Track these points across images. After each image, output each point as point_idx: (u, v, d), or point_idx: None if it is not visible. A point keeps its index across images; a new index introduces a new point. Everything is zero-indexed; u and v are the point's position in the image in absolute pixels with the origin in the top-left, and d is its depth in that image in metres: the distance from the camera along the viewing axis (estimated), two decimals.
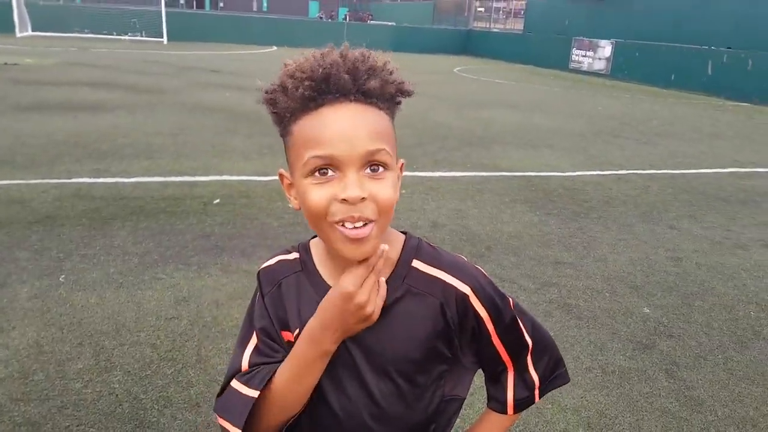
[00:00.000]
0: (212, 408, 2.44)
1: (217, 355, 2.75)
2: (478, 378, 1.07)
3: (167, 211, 4.58)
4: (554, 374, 1.07)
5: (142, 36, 24.72)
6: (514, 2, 35.92)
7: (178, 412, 2.36)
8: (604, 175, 6.70)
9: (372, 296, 0.86)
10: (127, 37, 24.33)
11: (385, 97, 0.85)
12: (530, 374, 1.04)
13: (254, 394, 0.90)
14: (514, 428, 2.35)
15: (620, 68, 20.26)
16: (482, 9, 36.97)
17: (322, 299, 0.88)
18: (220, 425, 0.92)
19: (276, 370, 0.91)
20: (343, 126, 0.81)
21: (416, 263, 0.94)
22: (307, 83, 0.81)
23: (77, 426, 2.25)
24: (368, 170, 0.82)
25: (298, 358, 0.90)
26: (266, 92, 0.87)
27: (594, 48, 21.58)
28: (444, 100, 11.98)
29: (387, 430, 0.95)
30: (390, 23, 34.02)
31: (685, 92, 17.06)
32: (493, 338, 0.97)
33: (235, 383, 0.93)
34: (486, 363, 1.02)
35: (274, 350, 0.94)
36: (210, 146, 6.81)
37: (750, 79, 15.78)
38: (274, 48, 24.71)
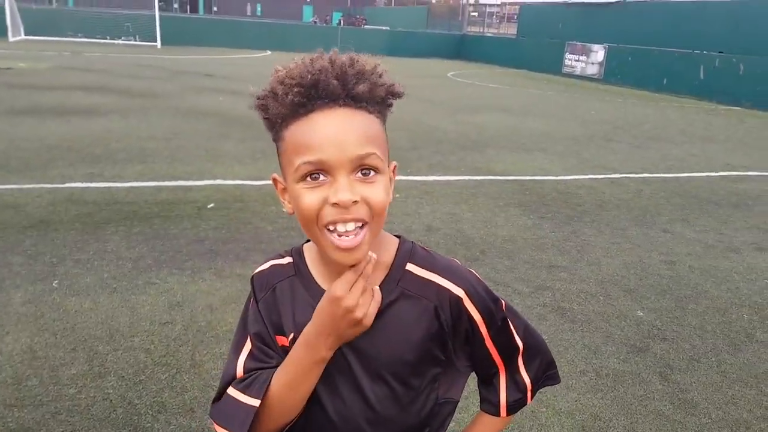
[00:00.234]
0: (207, 413, 2.42)
1: (212, 360, 2.74)
2: (472, 381, 1.08)
3: (161, 216, 4.56)
4: (545, 375, 1.08)
5: (135, 40, 24.67)
6: (507, 7, 36.11)
7: (173, 418, 2.35)
8: (597, 178, 6.74)
9: (361, 300, 0.85)
10: (120, 41, 24.28)
11: (375, 100, 0.85)
12: (522, 376, 1.05)
13: (255, 403, 0.90)
14: (507, 431, 2.36)
15: (613, 72, 20.40)
16: (476, 13, 37.18)
17: (316, 303, 0.89)
18: None
19: (272, 377, 0.91)
20: (333, 131, 0.81)
21: (410, 267, 0.94)
22: (296, 89, 0.82)
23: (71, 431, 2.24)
24: (359, 174, 0.82)
25: (294, 364, 0.90)
26: (258, 98, 0.87)
27: (587, 52, 21.72)
28: (438, 104, 12.02)
29: None
30: (384, 28, 34.12)
31: (677, 96, 17.19)
32: (486, 341, 0.98)
33: (232, 391, 0.93)
34: (479, 365, 1.03)
35: (268, 356, 0.94)
36: (204, 151, 6.80)
37: (741, 84, 15.91)
38: (268, 52, 24.72)
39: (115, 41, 24.17)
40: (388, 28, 33.76)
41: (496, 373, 1.04)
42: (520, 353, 1.03)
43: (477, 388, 1.10)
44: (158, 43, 23.81)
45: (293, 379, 0.89)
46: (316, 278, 0.94)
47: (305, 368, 0.89)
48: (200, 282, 3.51)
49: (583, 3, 23.01)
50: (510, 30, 31.62)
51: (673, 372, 2.90)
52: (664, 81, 18.28)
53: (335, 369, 0.92)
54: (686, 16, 18.30)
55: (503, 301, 1.01)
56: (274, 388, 0.90)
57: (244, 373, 0.94)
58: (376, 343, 0.92)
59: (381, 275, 0.92)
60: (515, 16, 31.33)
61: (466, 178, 6.36)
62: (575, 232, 4.84)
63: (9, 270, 3.51)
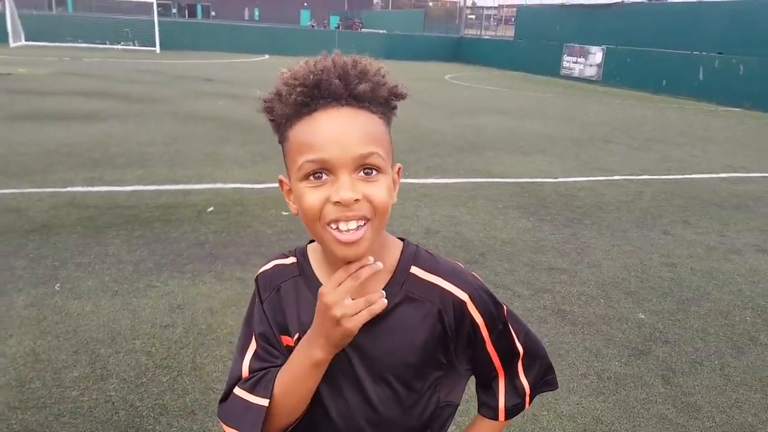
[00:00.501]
0: (208, 416, 2.42)
1: (212, 363, 2.74)
2: (472, 384, 1.08)
3: (161, 220, 4.56)
4: (543, 380, 1.09)
5: (134, 45, 24.73)
6: (504, 9, 36.22)
7: (174, 420, 2.34)
8: (596, 180, 6.74)
9: (345, 301, 0.83)
10: (119, 47, 24.33)
11: (378, 100, 0.86)
12: (521, 381, 1.06)
13: (264, 402, 0.90)
14: None
15: (611, 74, 20.43)
16: (473, 16, 37.25)
17: None
18: None
19: (275, 377, 0.92)
20: (335, 130, 0.82)
21: (414, 270, 0.95)
22: (299, 89, 0.83)
23: None
24: (362, 173, 0.83)
25: (291, 365, 0.90)
26: (264, 101, 0.88)
27: (585, 54, 21.77)
28: (436, 107, 12.04)
29: None
30: (381, 31, 34.19)
31: (677, 98, 17.22)
32: (487, 345, 0.99)
33: (239, 391, 0.93)
34: (479, 369, 1.04)
35: (273, 356, 0.95)
36: (203, 155, 6.81)
37: (741, 84, 15.93)
38: (267, 56, 24.76)
39: (115, 46, 24.23)
40: (385, 31, 33.84)
41: (495, 378, 1.05)
42: (520, 358, 1.04)
43: (476, 392, 1.10)
44: (157, 48, 23.86)
45: (292, 380, 0.90)
46: (320, 278, 0.95)
47: (301, 369, 0.89)
48: (200, 285, 3.51)
49: (581, 5, 23.09)
50: (507, 32, 31.72)
51: (675, 375, 2.90)
52: (663, 82, 18.31)
53: (338, 370, 0.93)
54: (684, 16, 18.34)
55: (505, 306, 1.01)
56: (276, 389, 0.90)
57: (250, 373, 0.94)
58: (380, 346, 0.92)
59: (385, 278, 0.93)
60: (512, 19, 31.41)
61: (465, 180, 6.37)
62: (575, 235, 4.85)
63: (12, 274, 3.51)
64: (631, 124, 11.42)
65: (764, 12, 15.90)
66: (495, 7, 36.90)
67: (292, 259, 0.99)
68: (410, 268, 0.95)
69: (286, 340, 0.95)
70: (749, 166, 8.06)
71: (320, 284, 0.94)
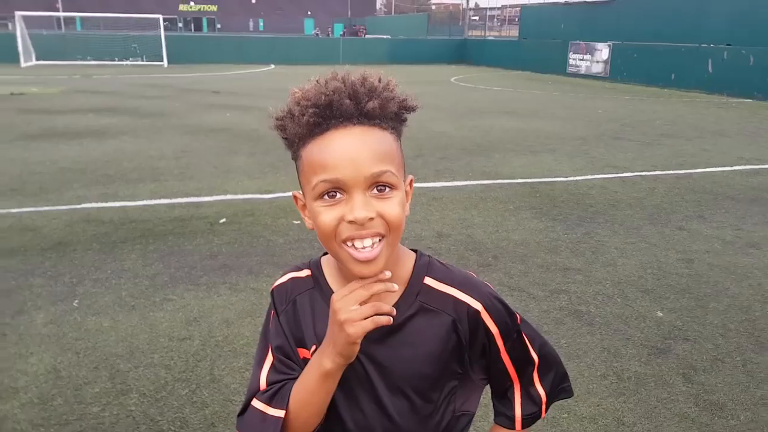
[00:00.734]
0: (228, 428, 2.42)
1: (230, 375, 2.75)
2: (486, 393, 1.08)
3: (175, 233, 4.61)
4: (559, 388, 1.08)
5: (143, 60, 25.04)
6: (508, 9, 36.17)
7: None
8: (608, 178, 6.69)
9: (349, 306, 0.84)
10: (128, 62, 24.63)
11: (388, 116, 0.87)
12: (537, 389, 1.05)
13: (281, 414, 0.91)
14: None
15: (619, 70, 20.30)
16: (476, 17, 37.29)
17: None
18: None
19: (291, 389, 0.93)
20: (348, 150, 0.83)
21: (428, 280, 0.95)
22: (311, 110, 0.84)
23: None
24: (375, 190, 0.84)
25: (305, 376, 0.91)
26: (276, 119, 0.90)
27: (591, 51, 21.66)
28: (442, 109, 12.03)
29: None
30: (385, 36, 34.29)
31: (687, 91, 17.07)
32: (501, 353, 0.99)
33: (256, 402, 0.94)
34: (494, 378, 1.04)
35: (290, 368, 0.96)
36: (213, 167, 6.86)
37: (752, 75, 15.74)
38: (272, 66, 24.90)
39: (123, 62, 24.54)
40: (389, 36, 33.94)
41: (511, 386, 1.05)
42: (536, 366, 1.04)
43: (490, 401, 1.10)
44: (165, 63, 24.15)
45: (305, 391, 0.91)
46: (335, 290, 0.95)
47: (312, 381, 0.90)
48: (215, 297, 3.53)
49: (585, 2, 22.99)
50: (512, 32, 31.69)
51: (696, 373, 2.86)
52: (672, 76, 18.16)
53: (355, 382, 0.93)
54: (690, 9, 18.19)
55: (518, 315, 1.02)
56: (292, 401, 0.91)
57: (267, 385, 0.95)
58: (396, 357, 0.93)
59: (399, 290, 0.93)
60: (516, 18, 31.38)
61: (475, 182, 6.35)
62: (589, 233, 4.81)
63: (30, 292, 3.56)
64: (641, 120, 11.33)
65: None
66: (498, 8, 36.95)
67: (306, 272, 1.00)
68: (424, 279, 0.95)
69: (303, 353, 0.96)
70: (763, 158, 7.95)
71: None
